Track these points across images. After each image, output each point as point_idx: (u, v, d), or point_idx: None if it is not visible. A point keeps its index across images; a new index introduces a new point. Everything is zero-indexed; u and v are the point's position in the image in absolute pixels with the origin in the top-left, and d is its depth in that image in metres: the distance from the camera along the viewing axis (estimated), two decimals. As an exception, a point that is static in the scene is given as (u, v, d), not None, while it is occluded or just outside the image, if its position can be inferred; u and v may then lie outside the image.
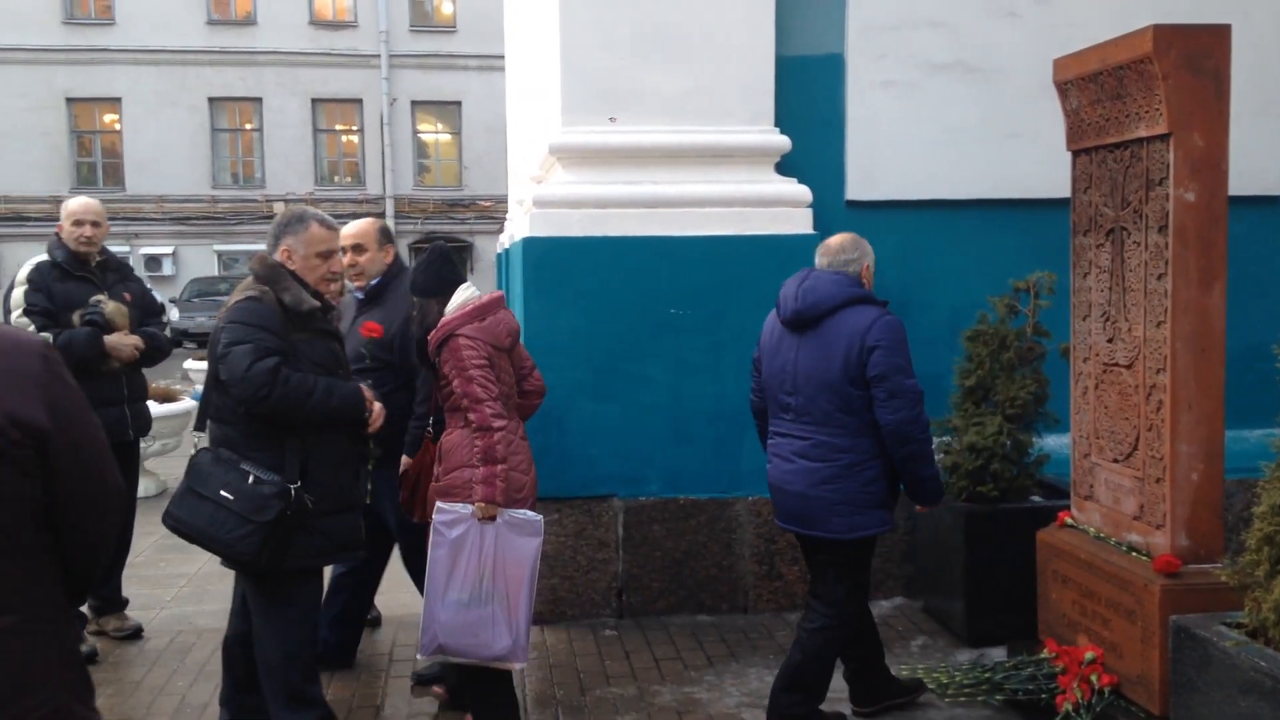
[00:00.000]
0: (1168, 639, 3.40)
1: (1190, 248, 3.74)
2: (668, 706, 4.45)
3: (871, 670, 4.30)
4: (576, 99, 5.47)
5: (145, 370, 5.34)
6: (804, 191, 5.58)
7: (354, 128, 30.63)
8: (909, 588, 5.62)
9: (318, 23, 29.92)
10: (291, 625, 3.71)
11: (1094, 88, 4.08)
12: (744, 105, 5.53)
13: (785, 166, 5.64)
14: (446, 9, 30.60)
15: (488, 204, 29.46)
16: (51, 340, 4.71)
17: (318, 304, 3.75)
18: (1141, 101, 3.83)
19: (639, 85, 5.46)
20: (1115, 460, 4.13)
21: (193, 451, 3.75)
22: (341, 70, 29.73)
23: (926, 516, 5.24)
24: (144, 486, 7.63)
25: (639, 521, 5.45)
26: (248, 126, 30.26)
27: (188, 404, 9.31)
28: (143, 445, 6.34)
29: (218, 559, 3.80)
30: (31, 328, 4.88)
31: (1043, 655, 4.22)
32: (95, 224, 5.15)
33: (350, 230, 4.70)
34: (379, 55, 29.50)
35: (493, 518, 3.84)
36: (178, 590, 6.10)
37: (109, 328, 5.01)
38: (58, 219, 5.25)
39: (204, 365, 13.03)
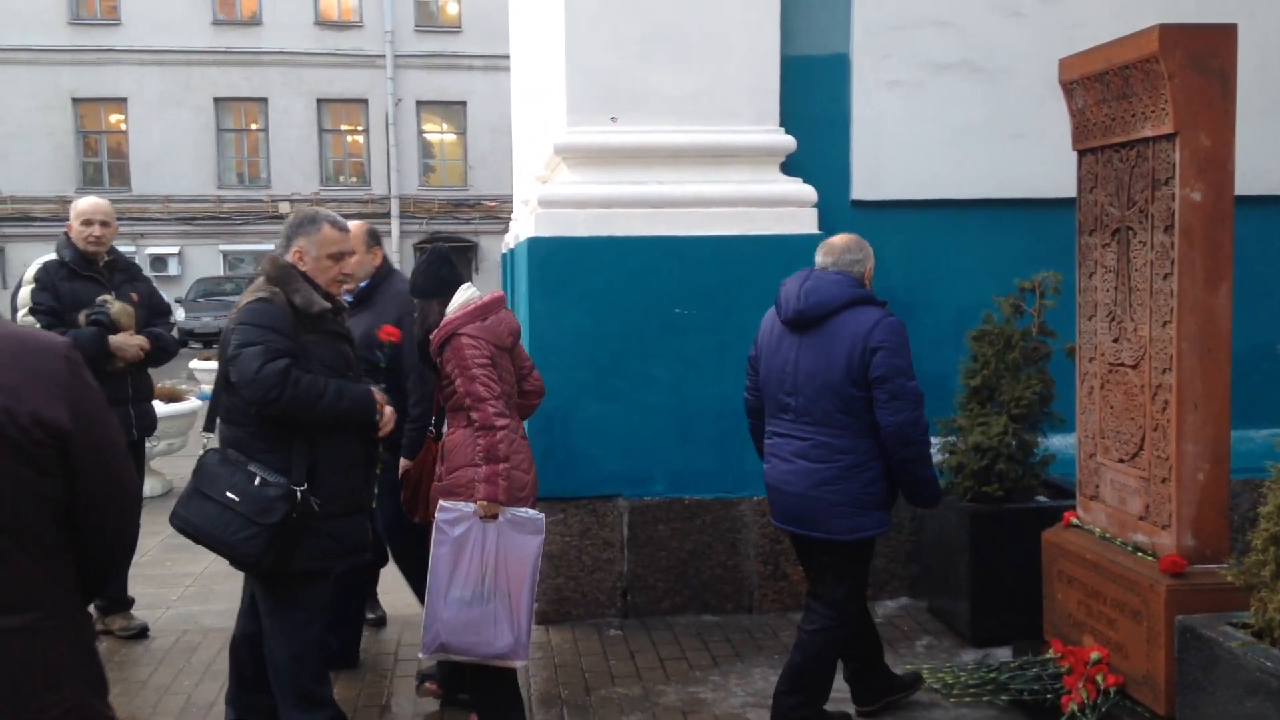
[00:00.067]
0: (1173, 639, 3.40)
1: (1196, 247, 3.74)
2: (673, 706, 4.45)
3: (872, 669, 4.30)
4: (582, 99, 5.47)
5: (151, 370, 5.36)
6: (809, 191, 5.58)
7: (359, 128, 30.67)
8: (914, 588, 5.61)
9: (323, 23, 29.95)
10: (299, 627, 3.71)
11: (1100, 87, 4.07)
12: (749, 105, 5.53)
13: (790, 166, 5.64)
14: (451, 9, 30.63)
15: (493, 204, 29.47)
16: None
17: (328, 305, 3.73)
18: (1147, 101, 3.82)
19: (644, 85, 5.46)
20: (1121, 460, 4.12)
21: (201, 452, 3.74)
22: (347, 70, 29.77)
23: (931, 517, 5.24)
24: (149, 486, 7.64)
25: (644, 521, 5.45)
26: (253, 127, 30.31)
27: (193, 404, 9.33)
28: (148, 445, 6.36)
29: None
30: (37, 327, 4.89)
31: (1048, 655, 4.21)
32: (104, 224, 5.17)
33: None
34: (384, 55, 29.52)
35: (494, 516, 3.85)
36: (183, 590, 6.11)
37: (114, 328, 5.02)
38: (64, 219, 5.27)
39: (209, 365, 13.10)
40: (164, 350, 5.29)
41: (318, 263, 3.74)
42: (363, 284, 4.77)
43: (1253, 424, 5.30)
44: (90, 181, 29.16)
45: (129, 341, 5.06)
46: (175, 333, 5.59)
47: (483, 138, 29.81)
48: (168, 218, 29.15)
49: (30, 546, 1.98)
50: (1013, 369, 5.04)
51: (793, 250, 5.21)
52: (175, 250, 29.29)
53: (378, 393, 3.83)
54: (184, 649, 5.16)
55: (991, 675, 4.25)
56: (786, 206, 5.53)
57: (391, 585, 5.30)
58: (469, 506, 3.85)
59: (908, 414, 3.84)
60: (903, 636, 5.16)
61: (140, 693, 4.63)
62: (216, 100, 29.64)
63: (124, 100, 29.23)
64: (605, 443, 5.42)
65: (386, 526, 4.71)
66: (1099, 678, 3.91)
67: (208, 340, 23.31)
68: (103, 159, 29.89)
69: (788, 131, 5.58)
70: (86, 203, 5.25)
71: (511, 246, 8.24)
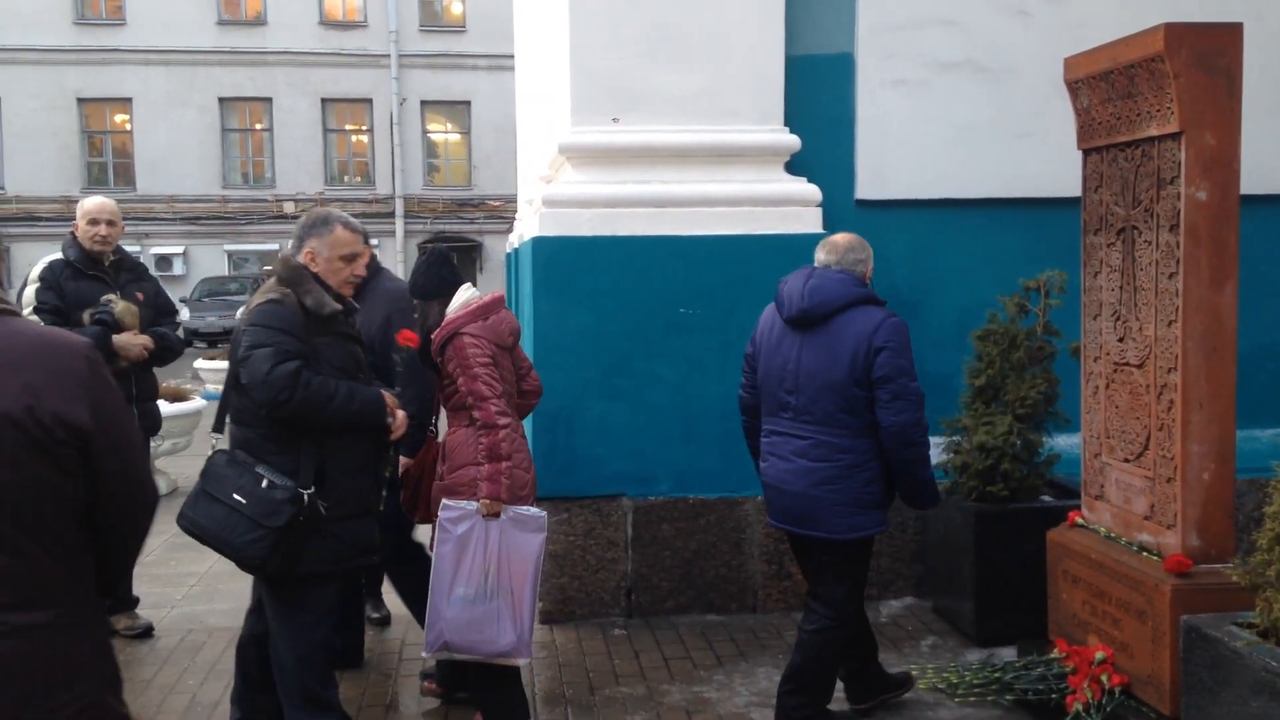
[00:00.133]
0: (1179, 639, 3.40)
1: (1202, 247, 3.73)
2: (677, 706, 4.45)
3: (867, 668, 4.31)
4: (586, 98, 5.47)
5: (156, 369, 5.36)
6: (814, 191, 5.57)
7: (364, 127, 30.69)
8: (919, 587, 5.61)
9: (328, 23, 29.97)
10: (306, 629, 3.70)
11: (1105, 86, 4.07)
12: (753, 105, 5.53)
13: (795, 166, 5.63)
14: (456, 9, 30.64)
15: (497, 204, 29.48)
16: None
17: (339, 307, 3.71)
18: (1153, 100, 3.82)
19: (649, 85, 5.46)
20: (1126, 460, 4.11)
21: (209, 452, 3.74)
22: (351, 70, 29.79)
23: (936, 517, 5.24)
24: (154, 485, 7.64)
25: (648, 521, 5.45)
26: (258, 126, 30.34)
27: (198, 403, 9.34)
28: (153, 445, 6.37)
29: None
30: (41, 325, 4.90)
31: (1053, 655, 4.21)
32: (110, 223, 5.17)
33: None
34: (389, 55, 29.53)
35: (497, 514, 3.86)
36: (188, 589, 6.12)
37: (118, 327, 5.02)
38: (69, 219, 5.27)
39: (214, 365, 13.11)
40: (169, 350, 5.29)
41: (330, 264, 3.72)
42: None
43: (1258, 424, 5.29)
44: (95, 181, 29.20)
45: (133, 341, 5.06)
46: (181, 332, 5.59)
47: (487, 137, 29.81)
48: (172, 217, 29.19)
49: (51, 545, 2.02)
50: (1018, 368, 5.03)
51: (797, 250, 5.20)
52: (180, 250, 29.33)
53: (389, 396, 3.81)
54: (189, 648, 5.16)
55: (996, 675, 4.25)
56: (791, 206, 5.53)
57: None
58: (472, 505, 3.86)
59: (910, 414, 3.84)
60: (907, 636, 5.16)
61: (145, 692, 4.63)
62: (221, 100, 29.68)
63: (129, 100, 29.27)
64: (610, 442, 5.42)
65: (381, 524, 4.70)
66: (1104, 678, 3.90)
67: (212, 340, 23.37)
68: (108, 159, 29.93)
69: (792, 131, 5.58)
70: (93, 202, 5.26)
71: (516, 246, 8.25)
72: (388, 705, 4.51)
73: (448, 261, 4.14)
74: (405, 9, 29.78)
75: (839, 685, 4.27)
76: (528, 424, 5.89)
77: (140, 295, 5.24)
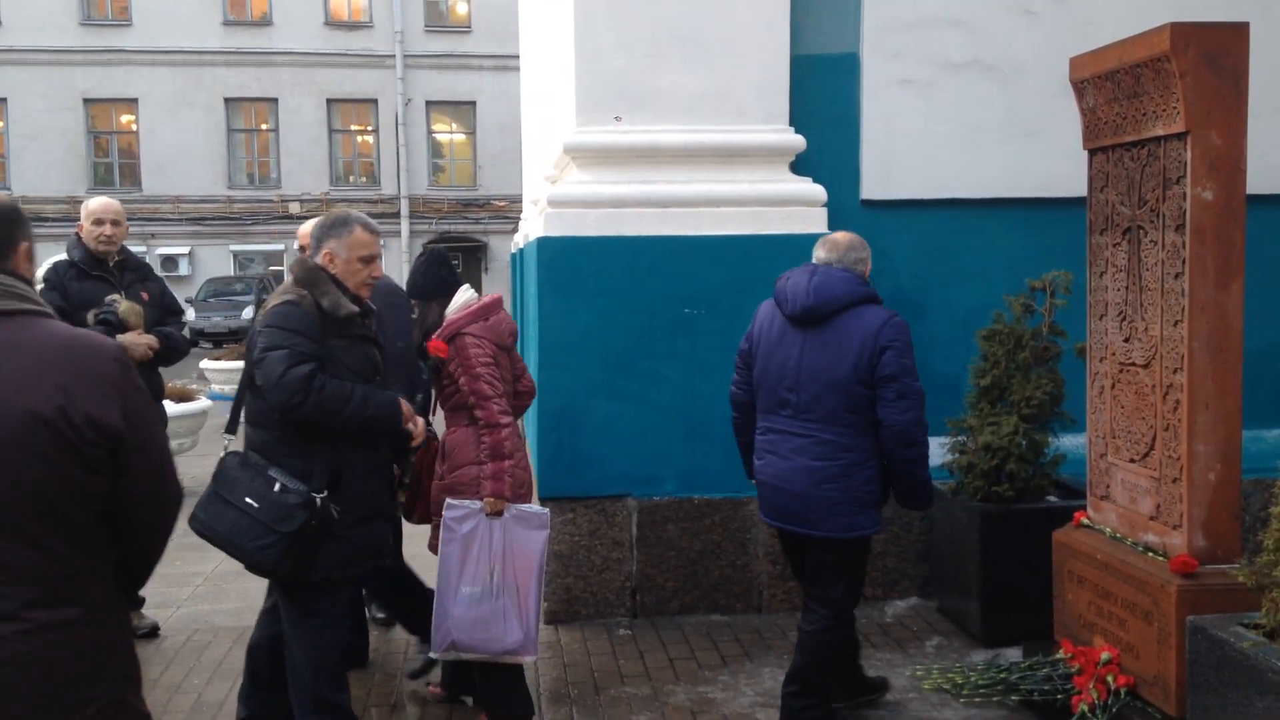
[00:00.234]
0: (1184, 640, 3.39)
1: (1208, 246, 3.72)
2: (682, 706, 4.45)
3: (851, 668, 4.32)
4: (591, 99, 5.47)
5: (162, 370, 5.37)
6: (819, 191, 5.57)
7: (369, 128, 30.73)
8: (924, 588, 5.60)
9: (333, 23, 30.02)
10: (318, 632, 3.67)
11: (1111, 86, 4.06)
12: (759, 104, 5.52)
13: (800, 166, 5.63)
14: (461, 9, 30.68)
15: (502, 204, 29.51)
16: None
17: (356, 309, 3.67)
18: (1159, 100, 3.81)
19: (654, 85, 5.46)
20: (1132, 460, 4.11)
21: (222, 453, 3.71)
22: (357, 70, 29.84)
23: (942, 517, 5.24)
24: (160, 485, 7.65)
25: (653, 521, 5.45)
26: (263, 127, 30.38)
27: (204, 404, 9.35)
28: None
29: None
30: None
31: (1058, 656, 4.20)
32: (115, 223, 5.19)
33: (306, 230, 4.61)
34: (394, 55, 29.58)
35: (501, 512, 3.86)
36: (194, 589, 6.12)
37: (122, 327, 5.02)
38: (75, 219, 5.28)
39: (220, 365, 13.11)
40: (174, 350, 5.30)
41: (348, 265, 3.68)
42: None
43: (1264, 424, 5.28)
44: (101, 182, 29.28)
45: (137, 340, 5.06)
46: (186, 333, 5.59)
47: (492, 138, 29.85)
48: (178, 218, 29.25)
49: (78, 543, 2.05)
50: (1023, 368, 5.02)
51: (802, 250, 5.17)
52: (185, 250, 29.39)
53: (405, 404, 3.77)
54: (194, 648, 5.17)
55: (1002, 675, 4.25)
56: (796, 206, 5.52)
57: (401, 584, 5.30)
58: (476, 504, 3.87)
59: (913, 414, 3.84)
60: (913, 636, 5.16)
61: (151, 691, 4.63)
62: (227, 100, 29.73)
63: (135, 101, 29.34)
64: (614, 442, 5.42)
65: None
66: (1109, 678, 3.90)
67: (218, 340, 23.38)
68: (114, 159, 30.00)
69: (798, 131, 5.57)
70: (97, 202, 5.27)
71: (521, 246, 8.26)
72: (393, 705, 4.52)
73: (446, 262, 4.15)
74: (410, 9, 29.83)
75: None
76: (532, 424, 5.91)
77: (145, 295, 5.24)
